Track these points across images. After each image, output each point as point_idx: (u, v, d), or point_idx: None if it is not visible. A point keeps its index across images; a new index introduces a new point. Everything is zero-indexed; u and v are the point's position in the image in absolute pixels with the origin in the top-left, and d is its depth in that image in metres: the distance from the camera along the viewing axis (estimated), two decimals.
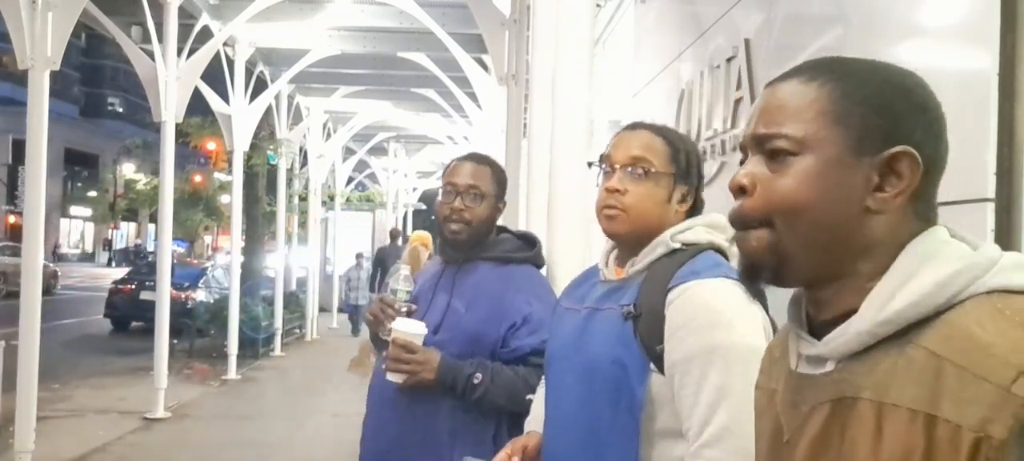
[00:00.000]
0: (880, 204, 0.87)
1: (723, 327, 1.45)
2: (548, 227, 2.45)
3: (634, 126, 1.71)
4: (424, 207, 34.07)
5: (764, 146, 0.92)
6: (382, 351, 2.31)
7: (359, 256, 15.50)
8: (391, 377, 2.21)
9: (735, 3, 3.24)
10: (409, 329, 2.20)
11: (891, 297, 0.84)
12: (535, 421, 1.83)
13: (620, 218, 1.63)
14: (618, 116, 6.21)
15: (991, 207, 1.52)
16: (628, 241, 1.64)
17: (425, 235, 7.86)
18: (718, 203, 1.57)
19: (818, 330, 0.92)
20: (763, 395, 1.04)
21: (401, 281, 2.30)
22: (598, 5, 6.09)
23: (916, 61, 1.89)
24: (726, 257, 1.58)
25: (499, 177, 2.38)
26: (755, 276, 0.94)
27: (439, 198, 2.38)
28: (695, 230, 1.61)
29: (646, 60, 5.19)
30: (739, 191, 0.93)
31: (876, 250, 0.88)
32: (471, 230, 2.30)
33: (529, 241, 2.40)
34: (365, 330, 2.48)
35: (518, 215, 4.56)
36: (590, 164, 1.76)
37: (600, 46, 6.64)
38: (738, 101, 3.26)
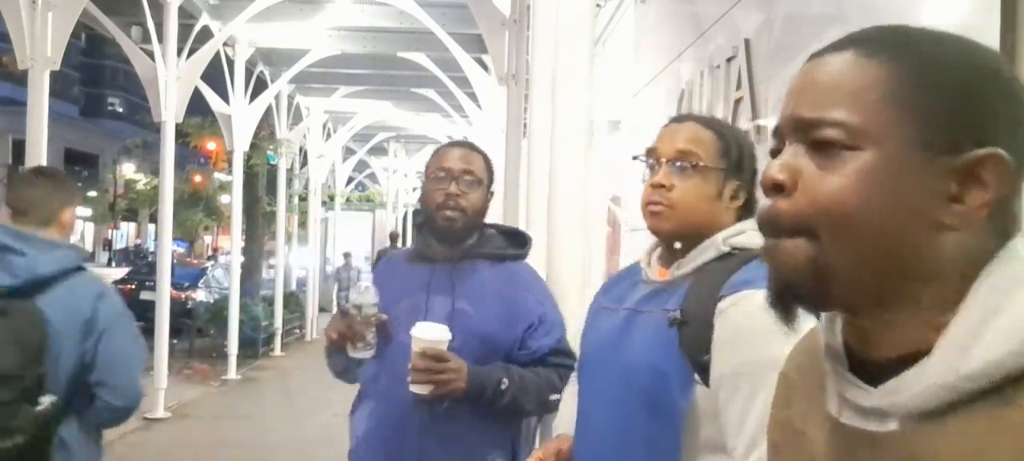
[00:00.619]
0: (957, 218, 0.68)
1: (777, 343, 1.37)
2: (548, 227, 2.45)
3: (681, 118, 1.61)
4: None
5: (809, 134, 0.72)
6: (355, 366, 2.20)
7: (347, 255, 15.52)
8: (417, 389, 2.03)
9: (735, 3, 3.24)
10: (434, 336, 2.02)
11: (976, 337, 0.65)
12: (564, 422, 1.76)
13: (665, 215, 1.52)
14: (618, 116, 6.22)
15: None
16: (674, 240, 1.54)
17: None
18: None
19: (863, 368, 0.72)
20: (782, 432, 0.86)
21: (365, 294, 2.11)
22: (598, 5, 6.08)
23: None
24: None
25: (489, 164, 2.27)
26: (787, 298, 0.74)
27: (423, 186, 2.26)
28: (749, 234, 1.47)
29: (646, 60, 5.19)
30: (774, 189, 0.73)
31: (944, 274, 0.69)
32: (466, 219, 2.17)
33: (518, 237, 2.34)
34: None
35: (518, 215, 4.56)
36: (635, 158, 1.65)
37: (600, 46, 6.64)
38: (738, 101, 3.26)
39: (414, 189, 27.03)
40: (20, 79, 7.24)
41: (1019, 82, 0.72)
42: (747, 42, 3.04)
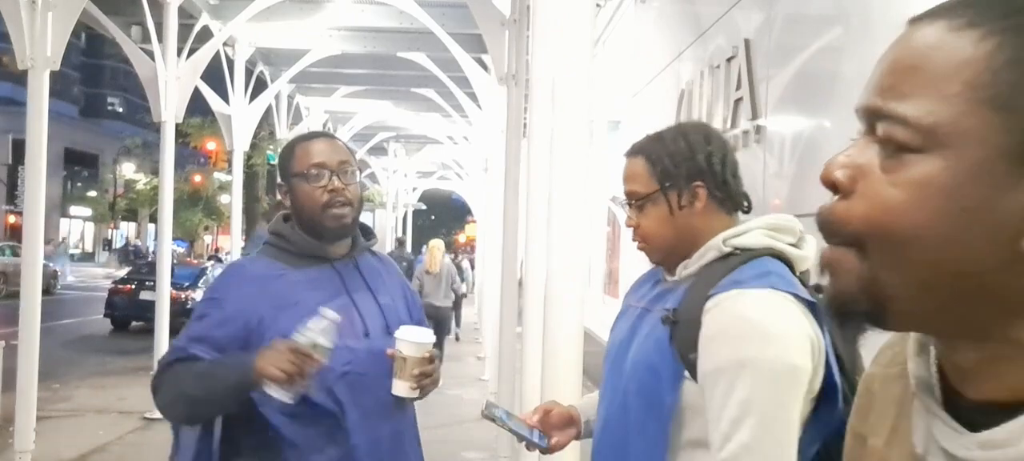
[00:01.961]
0: None
1: (757, 341, 1.38)
2: (548, 227, 2.45)
3: (627, 153, 1.68)
4: (424, 207, 34.12)
5: (879, 127, 0.59)
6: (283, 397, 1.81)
7: None
8: (413, 394, 1.96)
9: (735, 3, 3.24)
10: (424, 338, 1.97)
11: None
12: (588, 404, 1.82)
13: (647, 249, 1.63)
14: (618, 116, 6.22)
15: None
16: (670, 263, 1.61)
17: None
18: None
19: (957, 405, 0.61)
20: (857, 444, 0.75)
21: (324, 333, 1.79)
22: (598, 5, 6.09)
23: None
24: (791, 263, 1.50)
25: (352, 151, 2.15)
26: (843, 314, 0.62)
27: (292, 185, 2.04)
28: (752, 234, 1.52)
29: (646, 60, 5.20)
30: (832, 186, 0.61)
31: None
32: (355, 211, 2.03)
33: (365, 227, 2.24)
34: None
35: (518, 215, 4.56)
36: (614, 199, 1.76)
37: (600, 46, 6.64)
38: (738, 101, 3.26)
39: (414, 189, 27.07)
40: (20, 79, 7.23)
41: None
42: (747, 42, 3.04)
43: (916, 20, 0.60)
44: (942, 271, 0.57)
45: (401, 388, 1.94)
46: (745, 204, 1.61)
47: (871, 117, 0.60)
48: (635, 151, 1.64)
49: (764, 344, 1.37)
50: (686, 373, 1.45)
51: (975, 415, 0.59)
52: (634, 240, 1.65)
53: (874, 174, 0.59)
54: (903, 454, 0.66)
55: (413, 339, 1.94)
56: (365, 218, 2.23)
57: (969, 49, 0.55)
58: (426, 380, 1.96)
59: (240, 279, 2.07)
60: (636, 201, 1.61)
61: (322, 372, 1.85)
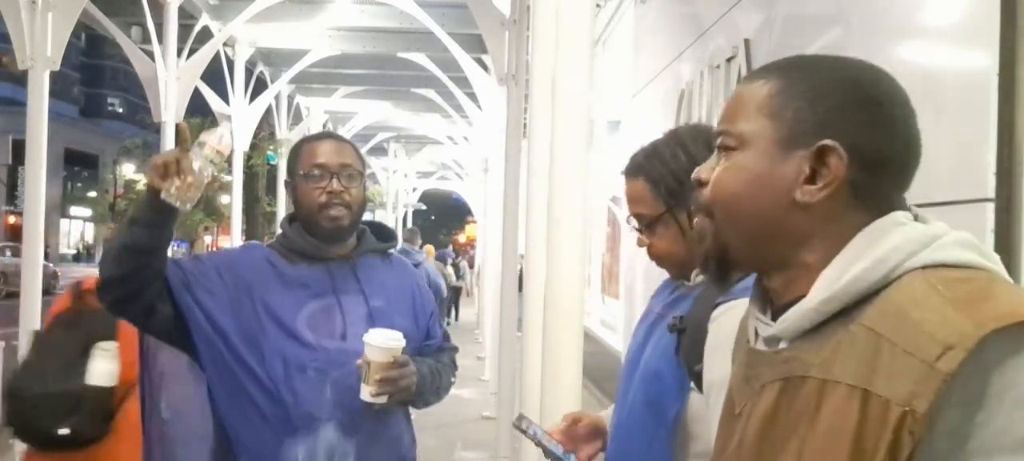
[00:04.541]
0: (809, 196, 0.89)
1: None
2: (548, 227, 2.45)
3: (626, 173, 1.63)
4: (424, 207, 34.13)
5: (720, 144, 0.97)
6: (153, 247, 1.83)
7: None
8: (378, 399, 1.92)
9: (735, 3, 3.24)
10: (390, 343, 1.92)
11: (840, 276, 0.86)
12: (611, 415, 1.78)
13: (664, 266, 1.60)
14: (618, 116, 6.22)
15: (991, 207, 1.52)
16: (690, 273, 1.57)
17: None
18: None
19: (776, 315, 0.94)
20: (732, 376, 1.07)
21: (220, 136, 1.81)
22: (598, 5, 6.09)
23: (916, 61, 1.89)
24: None
25: (360, 154, 2.14)
26: (707, 264, 0.98)
27: (294, 184, 2.06)
28: None
29: (646, 60, 5.19)
30: (699, 184, 0.98)
31: (816, 240, 0.90)
32: (353, 215, 2.04)
33: (384, 229, 2.26)
34: None
35: (518, 215, 4.56)
36: (628, 221, 1.68)
37: (600, 46, 6.64)
38: None
39: (414, 189, 27.07)
40: (20, 79, 7.24)
41: (885, 91, 0.91)
42: (747, 42, 3.04)
43: (742, 81, 1.00)
44: (751, 220, 0.93)
45: (365, 392, 1.91)
46: None
47: (717, 137, 0.97)
48: (634, 171, 1.59)
49: None
50: (692, 384, 1.43)
51: (779, 313, 0.93)
52: (650, 258, 1.61)
53: (717, 170, 0.96)
54: (742, 355, 1.00)
55: (375, 343, 1.90)
56: (365, 217, 2.22)
57: (762, 90, 0.94)
58: (388, 385, 1.90)
59: (248, 250, 2.15)
60: (644, 224, 1.57)
61: (283, 364, 1.91)
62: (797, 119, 0.90)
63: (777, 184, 0.91)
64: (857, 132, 0.88)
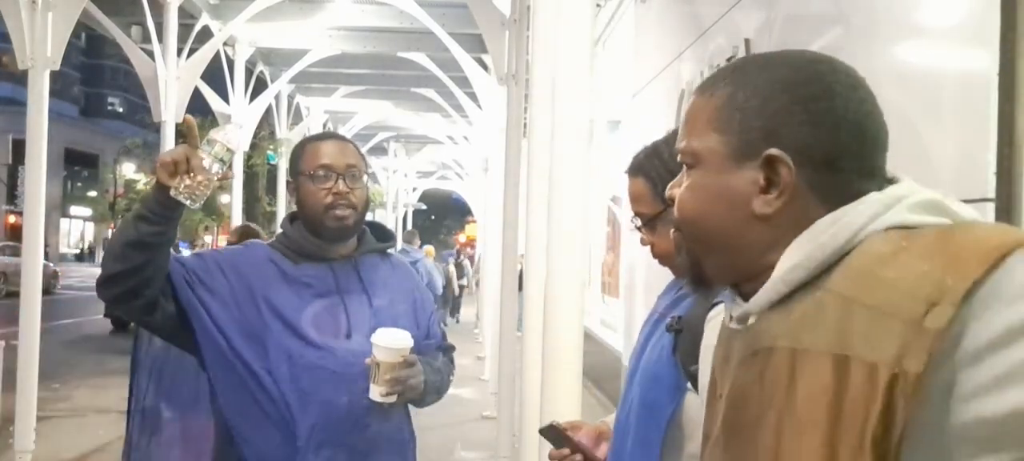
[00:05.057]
0: (767, 205, 0.88)
1: None
2: (548, 227, 2.45)
3: (628, 171, 1.66)
4: (424, 207, 34.12)
5: (683, 160, 0.96)
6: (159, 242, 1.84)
7: None
8: (388, 399, 1.94)
9: (735, 3, 3.24)
10: (399, 343, 1.94)
11: (799, 251, 0.86)
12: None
13: (666, 264, 1.61)
14: (618, 116, 6.22)
15: (991, 207, 1.52)
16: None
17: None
18: None
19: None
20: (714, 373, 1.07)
21: (230, 132, 1.83)
22: (598, 5, 6.09)
23: (916, 61, 1.89)
24: None
25: (362, 154, 2.16)
26: (692, 277, 0.98)
27: (298, 184, 2.07)
28: None
29: (646, 60, 5.20)
30: (671, 200, 0.98)
31: (781, 246, 0.88)
32: (358, 215, 2.05)
33: (382, 228, 2.27)
34: None
35: (518, 215, 4.56)
36: (632, 221, 1.71)
37: (600, 46, 6.65)
38: None
39: (414, 189, 27.07)
40: (20, 79, 7.23)
41: (826, 81, 0.88)
42: (747, 42, 3.04)
43: (692, 94, 0.97)
44: (710, 231, 0.93)
45: (375, 392, 1.93)
46: None
47: (680, 155, 0.97)
48: (635, 170, 1.62)
49: None
50: (689, 385, 1.43)
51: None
52: (653, 256, 1.63)
53: (681, 188, 0.96)
54: (724, 337, 1.00)
55: (385, 343, 1.92)
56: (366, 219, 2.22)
57: (709, 103, 0.92)
58: (398, 385, 1.93)
59: (250, 248, 2.13)
60: (645, 222, 1.60)
61: (288, 362, 1.92)
62: (743, 130, 0.89)
63: (735, 198, 0.89)
64: (801, 133, 0.86)
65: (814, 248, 0.84)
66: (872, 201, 0.84)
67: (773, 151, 0.87)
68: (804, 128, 0.87)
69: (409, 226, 23.58)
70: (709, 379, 1.01)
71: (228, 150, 1.83)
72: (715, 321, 1.37)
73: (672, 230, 0.98)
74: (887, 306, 0.76)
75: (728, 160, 0.90)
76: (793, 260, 0.85)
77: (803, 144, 0.86)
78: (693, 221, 0.93)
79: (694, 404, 1.42)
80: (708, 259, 0.94)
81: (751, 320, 0.90)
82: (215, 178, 1.81)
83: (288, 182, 2.17)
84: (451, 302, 17.71)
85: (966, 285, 0.73)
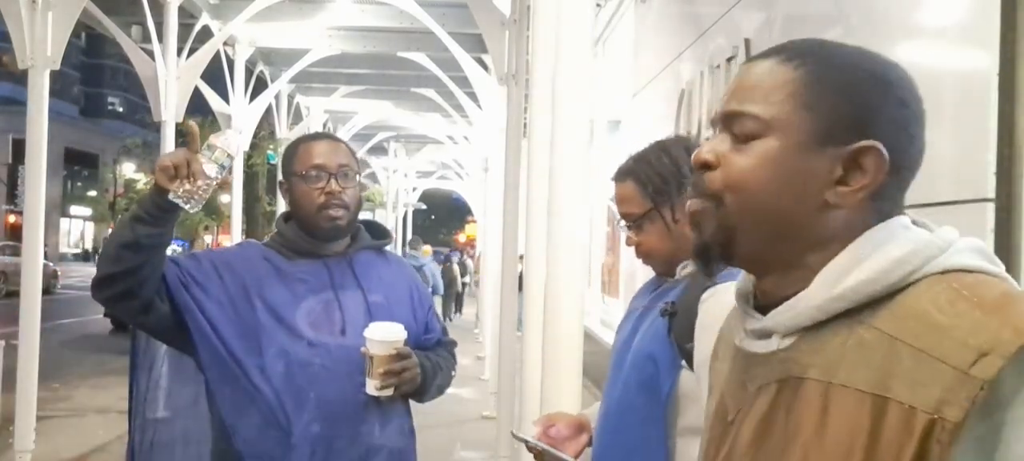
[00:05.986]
0: (840, 198, 0.84)
1: None
2: (548, 227, 2.45)
3: (616, 176, 1.74)
4: (424, 207, 34.11)
5: (732, 124, 0.89)
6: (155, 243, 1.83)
7: None
8: (384, 393, 1.95)
9: (735, 3, 3.24)
10: (391, 336, 1.95)
11: (845, 274, 0.82)
12: (594, 413, 1.83)
13: (650, 263, 1.72)
14: (618, 116, 6.22)
15: (991, 207, 1.52)
16: (674, 271, 1.69)
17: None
18: None
19: (763, 312, 0.90)
20: (715, 376, 1.03)
21: (228, 137, 1.83)
22: (598, 5, 6.09)
23: (916, 61, 1.89)
24: None
25: (354, 153, 2.17)
26: (705, 253, 0.91)
27: (290, 184, 2.08)
28: None
29: (646, 60, 5.20)
30: (702, 167, 0.90)
31: (830, 244, 0.85)
32: (351, 215, 2.07)
33: (377, 226, 2.28)
34: None
35: (518, 215, 4.55)
36: (619, 222, 1.81)
37: (600, 46, 6.64)
38: None
39: (414, 189, 27.06)
40: (20, 79, 7.23)
41: (912, 93, 0.86)
42: (747, 42, 3.04)
43: (751, 59, 0.91)
44: (771, 215, 0.86)
45: (371, 386, 1.94)
46: None
47: (727, 119, 0.89)
48: (623, 175, 1.71)
49: None
50: (683, 362, 1.52)
51: (767, 310, 0.88)
52: (638, 256, 1.72)
53: (730, 154, 0.88)
54: (730, 353, 0.95)
55: (377, 336, 1.93)
56: (365, 217, 2.23)
57: (790, 73, 0.86)
58: (393, 378, 1.94)
59: (244, 247, 2.16)
60: (633, 222, 1.68)
61: (284, 359, 1.92)
62: (835, 114, 0.84)
63: (809, 182, 0.84)
64: (893, 134, 0.83)
65: (864, 283, 0.80)
66: (928, 242, 0.81)
67: (872, 143, 0.82)
68: (895, 129, 0.84)
69: (409, 226, 23.57)
70: (718, 402, 0.98)
71: (228, 155, 1.84)
72: (709, 302, 1.48)
73: (691, 200, 0.91)
74: (935, 350, 0.73)
75: (812, 140, 0.84)
76: (836, 290, 0.81)
77: (890, 145, 0.83)
78: (753, 192, 0.86)
79: (688, 380, 1.51)
80: (748, 235, 0.87)
81: (774, 342, 0.86)
82: (214, 183, 1.82)
83: (280, 183, 2.17)
84: (454, 299, 17.89)
85: (1021, 342, 0.71)
